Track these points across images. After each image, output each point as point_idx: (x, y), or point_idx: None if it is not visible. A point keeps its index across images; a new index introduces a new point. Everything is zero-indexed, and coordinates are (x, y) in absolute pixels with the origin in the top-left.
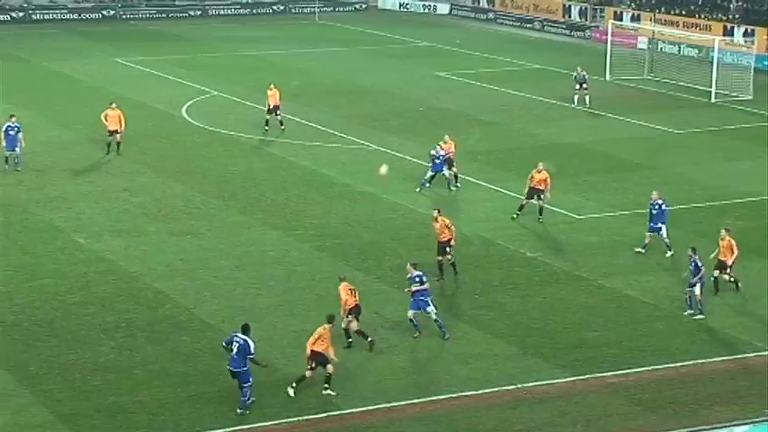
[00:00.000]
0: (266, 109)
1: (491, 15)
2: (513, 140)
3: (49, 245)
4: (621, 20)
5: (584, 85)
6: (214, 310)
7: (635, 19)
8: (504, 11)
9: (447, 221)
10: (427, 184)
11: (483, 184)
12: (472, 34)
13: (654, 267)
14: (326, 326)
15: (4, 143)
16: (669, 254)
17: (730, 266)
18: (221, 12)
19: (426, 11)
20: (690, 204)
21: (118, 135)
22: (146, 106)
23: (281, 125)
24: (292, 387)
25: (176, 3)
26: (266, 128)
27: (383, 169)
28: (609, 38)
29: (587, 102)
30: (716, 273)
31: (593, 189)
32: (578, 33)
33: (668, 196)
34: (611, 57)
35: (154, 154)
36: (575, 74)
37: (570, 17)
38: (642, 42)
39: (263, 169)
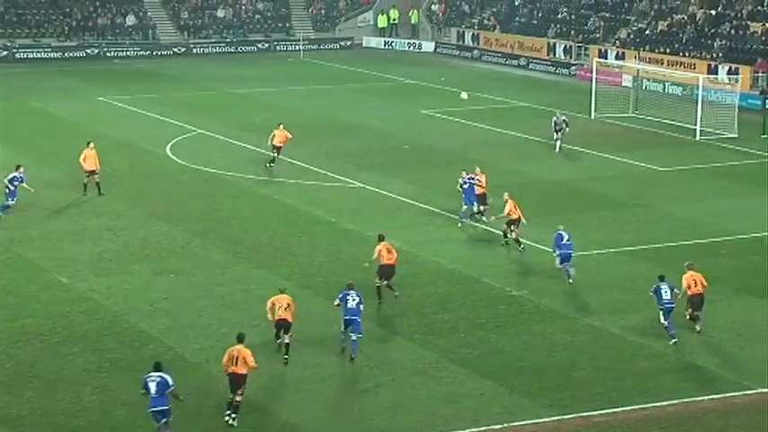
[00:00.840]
0: (272, 146)
1: (476, 53)
2: (497, 178)
3: (32, 284)
4: (606, 58)
5: (561, 132)
6: (198, 349)
7: (620, 57)
8: (488, 48)
9: (389, 246)
10: (466, 220)
11: (467, 221)
12: (457, 72)
13: (640, 305)
14: (238, 346)
15: (9, 191)
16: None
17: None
18: (206, 50)
19: (411, 49)
20: (676, 242)
21: (96, 176)
22: (129, 144)
23: (271, 164)
24: (230, 416)
25: (161, 41)
26: (272, 165)
27: (464, 95)
28: (594, 76)
29: (557, 148)
30: (689, 311)
31: (579, 227)
32: (563, 71)
33: (655, 234)
34: (596, 95)
35: (138, 192)
36: (554, 118)
37: (555, 55)
38: (627, 80)
39: (247, 207)
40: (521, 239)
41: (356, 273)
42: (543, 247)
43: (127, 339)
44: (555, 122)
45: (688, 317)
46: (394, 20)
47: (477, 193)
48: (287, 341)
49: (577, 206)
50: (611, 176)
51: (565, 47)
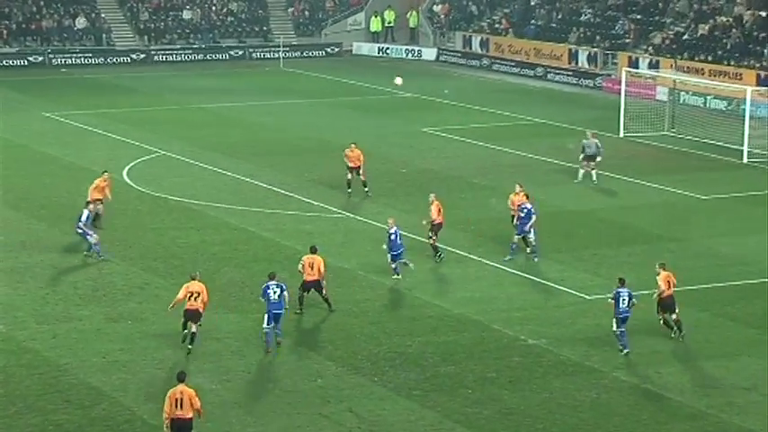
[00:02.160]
0: (348, 169)
1: (485, 62)
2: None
3: None
4: (637, 67)
5: (597, 159)
6: (159, 409)
7: (653, 66)
8: (499, 56)
9: (318, 259)
10: (515, 246)
11: (474, 257)
12: (463, 83)
13: (678, 356)
14: (180, 386)
15: (85, 232)
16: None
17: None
18: (169, 57)
19: (410, 56)
20: (720, 283)
21: (100, 205)
22: (80, 168)
23: (365, 187)
24: None
25: (116, 47)
26: (349, 190)
27: (398, 80)
28: (623, 88)
29: (594, 177)
30: (661, 315)
31: (605, 265)
32: (587, 82)
33: (694, 272)
34: (625, 110)
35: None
36: (584, 141)
37: (578, 63)
38: (662, 93)
39: (217, 242)
40: (438, 246)
41: (344, 318)
42: (564, 289)
43: (74, 398)
44: (585, 147)
45: (662, 322)
46: (389, 22)
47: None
48: (194, 330)
49: (604, 240)
50: (643, 206)
51: (589, 54)
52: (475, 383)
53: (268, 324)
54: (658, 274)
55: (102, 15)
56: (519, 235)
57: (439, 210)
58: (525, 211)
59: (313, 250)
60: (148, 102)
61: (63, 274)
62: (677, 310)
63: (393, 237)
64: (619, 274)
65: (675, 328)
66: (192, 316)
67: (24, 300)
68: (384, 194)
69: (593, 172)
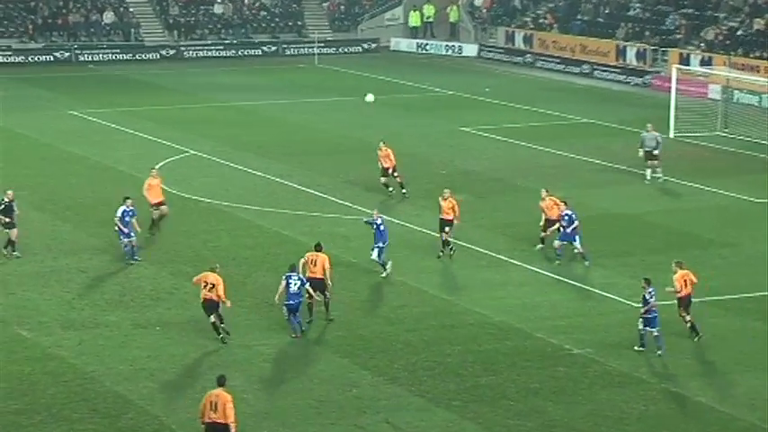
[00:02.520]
0: (381, 172)
1: (528, 58)
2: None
3: None
4: (688, 64)
5: (656, 152)
6: (188, 419)
7: (705, 63)
8: (543, 52)
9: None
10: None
11: (516, 263)
12: (505, 81)
13: (730, 367)
14: (217, 391)
15: (120, 230)
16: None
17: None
18: (199, 53)
19: (450, 53)
20: None
21: (164, 207)
22: (106, 168)
23: (402, 188)
24: None
25: (145, 42)
26: (390, 190)
27: (369, 97)
28: (673, 86)
29: (652, 174)
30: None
31: (654, 271)
32: (635, 80)
33: (748, 280)
34: (675, 109)
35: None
36: (643, 134)
37: (625, 60)
38: (714, 91)
39: (249, 245)
40: (450, 241)
41: (380, 325)
42: (611, 296)
43: (101, 407)
44: (644, 140)
45: (689, 325)
46: (428, 17)
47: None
48: (213, 320)
49: (652, 246)
50: (695, 209)
51: (638, 50)
52: (517, 394)
53: (289, 316)
54: (675, 272)
55: (131, 10)
56: (562, 241)
57: (452, 207)
58: (567, 218)
59: (318, 248)
60: (178, 99)
61: (89, 279)
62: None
63: (382, 228)
64: (667, 280)
65: (693, 330)
66: (209, 306)
67: (49, 305)
68: (423, 196)
69: (658, 169)
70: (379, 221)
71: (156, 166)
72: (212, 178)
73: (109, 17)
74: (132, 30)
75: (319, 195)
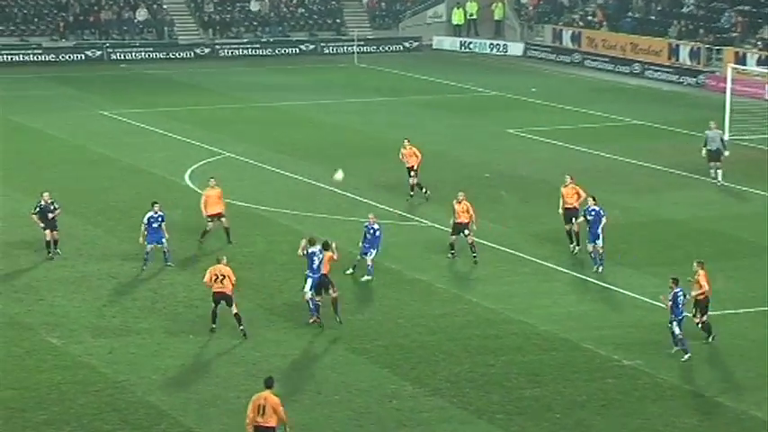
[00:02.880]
0: (407, 172)
1: (576, 57)
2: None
3: (14, 347)
4: (745, 63)
5: (726, 153)
6: (222, 430)
7: (762, 62)
8: (592, 51)
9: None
10: (600, 262)
11: (563, 270)
12: (552, 81)
13: None
14: (265, 393)
15: (144, 235)
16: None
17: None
18: (235, 52)
19: (494, 51)
20: None
21: (223, 220)
22: (139, 171)
23: (423, 190)
24: None
25: (179, 41)
26: (411, 193)
27: (338, 175)
28: (728, 86)
29: (719, 177)
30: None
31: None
32: (689, 80)
33: None
34: (730, 110)
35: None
36: (707, 133)
37: (678, 59)
38: None
39: (285, 251)
40: (474, 246)
41: (422, 334)
42: (660, 305)
43: (132, 417)
44: (708, 140)
45: (700, 325)
46: (472, 15)
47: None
48: (235, 311)
49: (706, 253)
50: (751, 215)
51: (691, 49)
52: (563, 408)
53: (311, 290)
54: (697, 273)
55: (164, 7)
56: (592, 243)
57: (467, 210)
58: (594, 213)
59: (326, 246)
60: (212, 100)
61: (121, 285)
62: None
63: (378, 234)
64: (723, 289)
65: (706, 332)
66: (222, 298)
67: (80, 312)
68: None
69: (719, 171)
70: (376, 227)
71: (213, 182)
72: (247, 181)
73: (142, 14)
74: (166, 27)
75: (358, 199)
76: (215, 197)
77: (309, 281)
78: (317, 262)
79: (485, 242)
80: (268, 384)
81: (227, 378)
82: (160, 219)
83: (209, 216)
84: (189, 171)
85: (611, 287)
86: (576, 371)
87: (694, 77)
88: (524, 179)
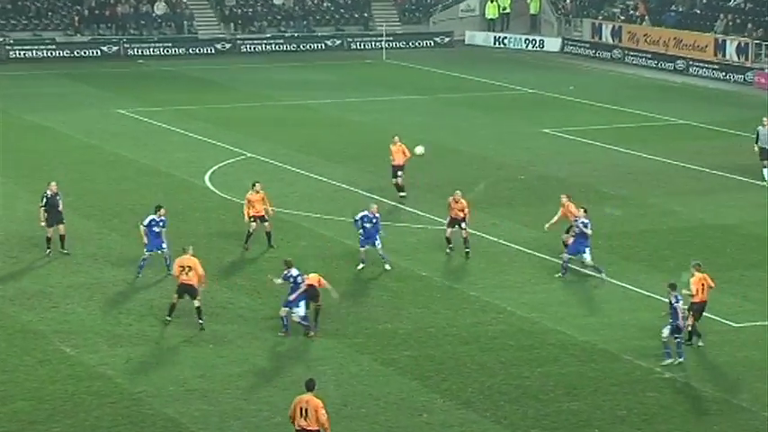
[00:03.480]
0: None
1: (617, 53)
2: (645, 220)
3: (26, 356)
4: None
5: None
6: None
7: None
8: (634, 47)
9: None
10: (603, 274)
11: (602, 278)
12: (591, 78)
13: None
14: (306, 396)
15: (144, 241)
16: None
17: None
18: (257, 47)
19: (530, 47)
20: None
21: (267, 224)
22: (157, 172)
23: (400, 191)
24: None
25: (199, 36)
26: (401, 194)
27: (419, 149)
28: None
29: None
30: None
31: (758, 287)
32: (736, 77)
33: None
34: None
35: (166, 235)
36: (759, 128)
37: (725, 56)
38: None
39: (310, 256)
40: (467, 240)
41: (453, 344)
42: (708, 315)
43: (149, 430)
44: (759, 135)
45: (689, 329)
46: (506, 8)
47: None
48: (197, 305)
49: (754, 259)
50: None
51: (739, 45)
52: (603, 422)
53: (306, 311)
54: (692, 275)
55: (184, 0)
56: (571, 255)
57: (463, 209)
58: (582, 225)
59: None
60: (234, 97)
61: (137, 291)
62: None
63: (378, 223)
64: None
65: (694, 335)
66: (187, 290)
67: (95, 319)
68: (499, 204)
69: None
70: (378, 215)
71: (258, 186)
72: (271, 183)
73: (160, 8)
74: (185, 22)
75: (387, 203)
76: (258, 200)
77: (302, 303)
78: (300, 282)
79: (520, 247)
80: (309, 387)
81: (248, 389)
82: (162, 224)
83: (251, 217)
84: (209, 172)
85: (652, 295)
86: (615, 383)
87: (742, 75)
88: (561, 182)
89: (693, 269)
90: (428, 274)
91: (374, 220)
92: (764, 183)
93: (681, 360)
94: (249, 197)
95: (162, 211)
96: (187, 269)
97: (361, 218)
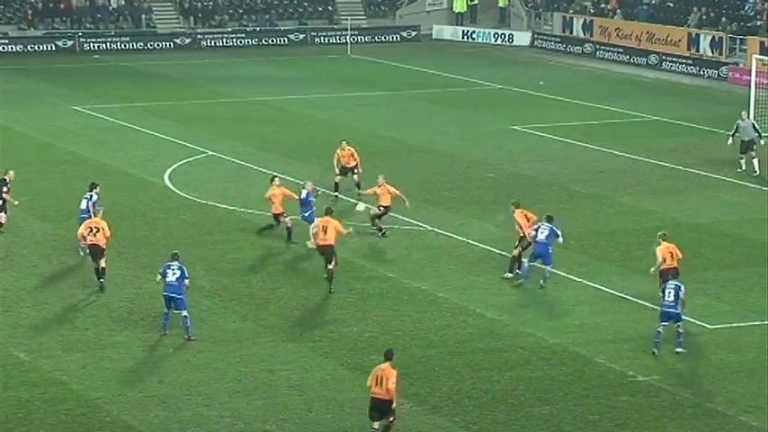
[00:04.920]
0: (337, 171)
1: (588, 48)
2: (617, 220)
3: None
4: None
5: (761, 142)
6: None
7: None
8: (605, 41)
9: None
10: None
11: (575, 278)
12: (561, 73)
13: None
14: (383, 365)
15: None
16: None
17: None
18: (218, 42)
19: (499, 42)
20: None
21: (286, 219)
22: (115, 171)
23: (335, 194)
24: None
25: (157, 30)
26: (336, 193)
27: (360, 207)
28: (753, 79)
29: (756, 167)
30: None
31: (731, 288)
32: (710, 72)
33: None
34: (755, 104)
35: (125, 236)
36: (738, 122)
37: (699, 50)
38: None
39: (274, 258)
40: (382, 227)
41: (421, 348)
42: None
43: None
44: (739, 129)
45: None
46: (475, 1)
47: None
48: (103, 266)
49: (729, 260)
50: None
51: (713, 39)
52: (574, 427)
53: (166, 306)
54: (658, 245)
55: None
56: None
57: (388, 192)
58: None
59: (328, 211)
60: (194, 94)
61: (95, 295)
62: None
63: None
64: (746, 299)
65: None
66: (94, 251)
67: (50, 324)
68: (468, 203)
69: (755, 161)
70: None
71: (277, 181)
72: (232, 182)
73: (116, 1)
74: (143, 15)
75: (353, 202)
76: (280, 195)
77: (163, 297)
78: (170, 276)
79: (488, 247)
80: (388, 356)
81: (209, 395)
82: (90, 198)
83: (274, 215)
84: (169, 171)
85: (626, 297)
86: (587, 387)
87: (716, 70)
88: (532, 180)
89: (660, 239)
90: (395, 275)
91: (309, 198)
92: (742, 171)
93: (681, 350)
94: (271, 193)
95: (97, 189)
96: (95, 230)
97: (306, 195)
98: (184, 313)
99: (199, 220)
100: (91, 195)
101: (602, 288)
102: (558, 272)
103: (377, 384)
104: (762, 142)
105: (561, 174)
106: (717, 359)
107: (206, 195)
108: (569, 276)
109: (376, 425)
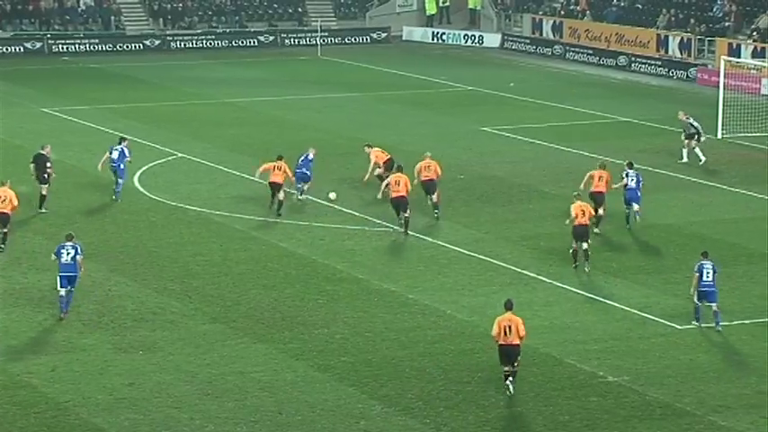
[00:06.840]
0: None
1: (558, 49)
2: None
3: None
4: (739, 56)
5: (703, 138)
6: None
7: (758, 54)
8: (575, 43)
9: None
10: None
11: (544, 279)
12: (531, 75)
13: None
14: (507, 314)
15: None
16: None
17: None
18: (188, 44)
19: (469, 43)
20: None
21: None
22: (84, 173)
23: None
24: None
25: (126, 32)
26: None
27: (332, 195)
28: (721, 80)
29: (701, 156)
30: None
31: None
32: (679, 73)
33: None
34: (723, 106)
35: (94, 238)
36: (681, 121)
37: (668, 52)
38: None
39: (243, 259)
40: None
41: (391, 349)
42: (651, 317)
43: None
44: (683, 128)
45: (572, 251)
46: (445, 2)
47: None
48: (5, 231)
49: (697, 260)
50: (746, 219)
51: (681, 41)
52: (544, 428)
53: (62, 287)
54: (573, 203)
55: None
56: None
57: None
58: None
59: (399, 168)
60: (163, 96)
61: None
62: (590, 241)
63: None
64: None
65: (584, 259)
66: (2, 219)
67: (19, 326)
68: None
69: (697, 150)
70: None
71: (281, 161)
72: (203, 184)
73: (86, 2)
74: (112, 17)
75: (324, 204)
76: (279, 174)
77: (58, 278)
78: (65, 257)
79: (459, 249)
80: (508, 306)
81: (180, 398)
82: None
83: (270, 183)
84: (138, 173)
85: (596, 297)
86: (557, 388)
87: (684, 71)
88: (502, 181)
89: (574, 198)
90: (365, 276)
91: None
92: (682, 161)
93: (719, 329)
94: (267, 164)
95: (126, 142)
96: (3, 198)
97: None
98: (72, 290)
99: (168, 222)
100: (122, 149)
101: (572, 289)
102: (527, 272)
103: (506, 334)
104: (703, 139)
105: (531, 175)
106: (686, 359)
107: (176, 197)
108: (539, 277)
109: (507, 368)
